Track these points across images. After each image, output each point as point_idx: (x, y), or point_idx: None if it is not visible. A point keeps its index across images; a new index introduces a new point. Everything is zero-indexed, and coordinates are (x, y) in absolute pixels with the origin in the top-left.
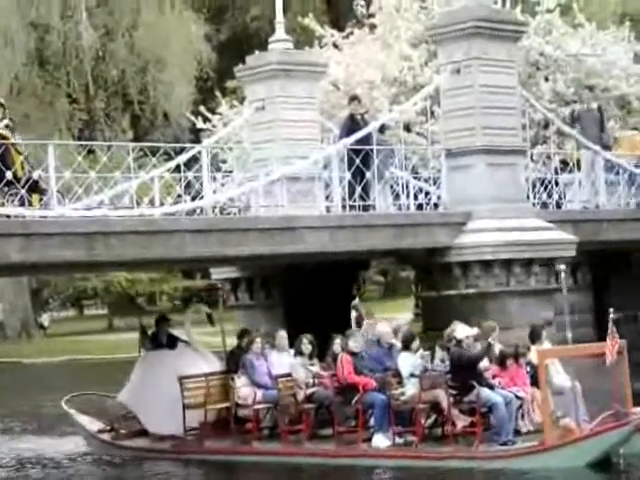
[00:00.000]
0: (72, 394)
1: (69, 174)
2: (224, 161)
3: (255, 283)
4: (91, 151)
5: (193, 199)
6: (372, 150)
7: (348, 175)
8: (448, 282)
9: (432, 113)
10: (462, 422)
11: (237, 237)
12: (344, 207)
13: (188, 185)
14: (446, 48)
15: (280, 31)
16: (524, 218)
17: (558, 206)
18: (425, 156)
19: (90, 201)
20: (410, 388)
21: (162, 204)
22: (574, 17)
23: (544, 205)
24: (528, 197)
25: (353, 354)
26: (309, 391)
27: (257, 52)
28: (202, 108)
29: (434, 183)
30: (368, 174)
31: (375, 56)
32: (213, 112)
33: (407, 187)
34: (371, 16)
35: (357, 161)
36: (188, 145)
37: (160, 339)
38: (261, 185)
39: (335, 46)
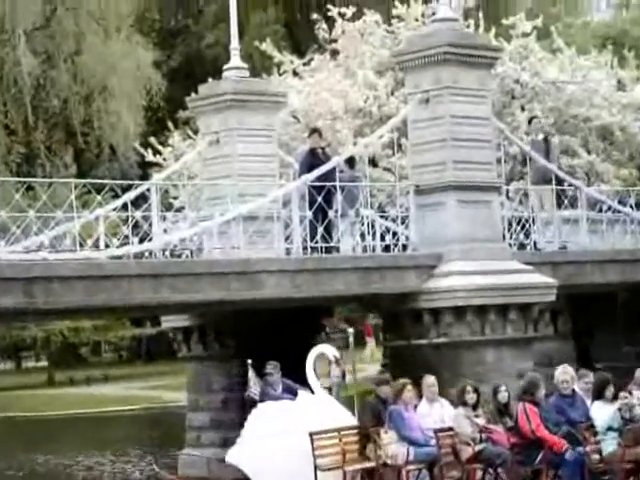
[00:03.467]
0: (161, 454)
1: (5, 213)
2: (175, 198)
3: (209, 332)
4: (30, 188)
5: (141, 241)
6: (335, 187)
7: (309, 214)
8: (418, 330)
9: (399, 146)
10: None
11: (189, 282)
12: (305, 249)
13: (136, 225)
14: (414, 76)
15: (235, 58)
16: (499, 260)
17: (536, 247)
18: (392, 193)
19: (29, 243)
20: (609, 444)
21: (108, 246)
22: (552, 41)
23: (521, 246)
24: (504, 237)
25: (537, 404)
26: (477, 447)
27: (211, 80)
28: (152, 140)
29: (402, 222)
30: (331, 213)
31: (338, 84)
32: (164, 145)
33: (373, 227)
34: (333, 41)
35: (319, 199)
36: (136, 182)
37: (275, 388)
38: (215, 225)
39: (295, 74)
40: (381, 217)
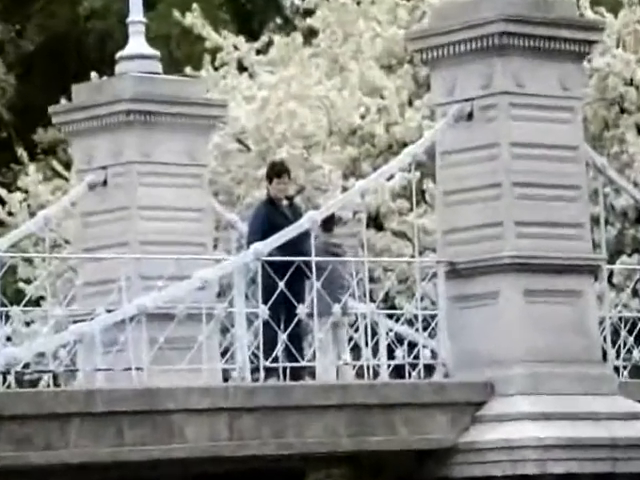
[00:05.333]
0: None
1: None
2: (29, 282)
3: None
4: None
5: None
6: (309, 264)
7: (264, 311)
8: None
9: (422, 195)
10: None
11: (49, 429)
12: (256, 372)
13: None
14: (447, 73)
15: (138, 39)
16: (597, 395)
17: None
18: (409, 275)
19: None
20: None
21: None
22: None
23: (637, 371)
24: (604, 355)
25: None
26: None
27: (95, 77)
28: None
29: (425, 328)
30: (301, 309)
31: (316, 87)
32: (10, 187)
33: (375, 334)
34: (308, 13)
35: (281, 285)
36: None
37: None
38: (99, 329)
39: (242, 68)
40: (389, 317)
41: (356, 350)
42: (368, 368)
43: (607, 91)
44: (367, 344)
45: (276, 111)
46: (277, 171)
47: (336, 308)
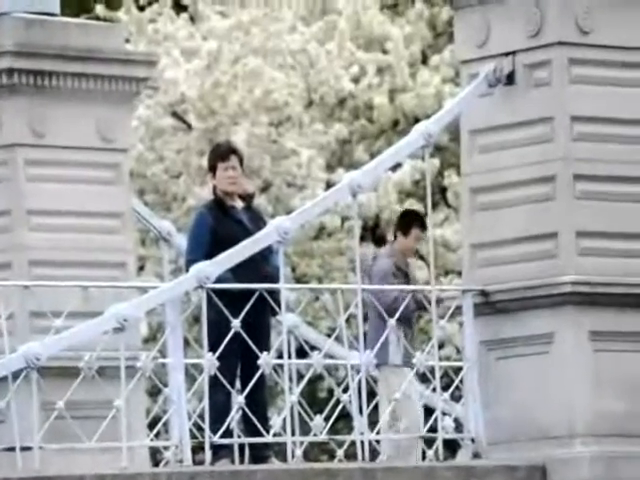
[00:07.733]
0: None
1: None
2: None
3: None
4: None
5: None
6: (274, 295)
7: (212, 362)
8: None
9: (442, 193)
10: None
11: None
12: (200, 451)
13: None
14: (478, 17)
15: None
16: None
17: None
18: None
19: None
20: None
21: None
22: None
23: None
24: None
25: None
26: None
27: None
28: None
29: (447, 386)
30: (263, 359)
31: (288, 38)
32: None
33: (373, 395)
34: None
35: (235, 322)
36: None
37: None
38: None
39: (180, 7)
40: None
41: (341, 419)
42: (363, 445)
43: None
44: (361, 410)
45: (230, 72)
46: (221, 153)
47: (317, 357)
